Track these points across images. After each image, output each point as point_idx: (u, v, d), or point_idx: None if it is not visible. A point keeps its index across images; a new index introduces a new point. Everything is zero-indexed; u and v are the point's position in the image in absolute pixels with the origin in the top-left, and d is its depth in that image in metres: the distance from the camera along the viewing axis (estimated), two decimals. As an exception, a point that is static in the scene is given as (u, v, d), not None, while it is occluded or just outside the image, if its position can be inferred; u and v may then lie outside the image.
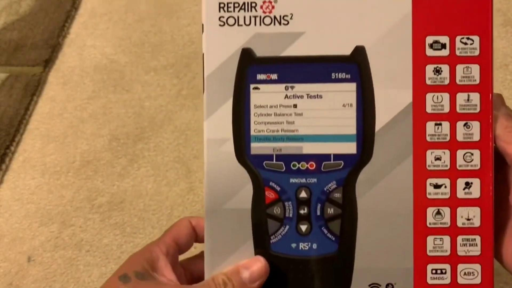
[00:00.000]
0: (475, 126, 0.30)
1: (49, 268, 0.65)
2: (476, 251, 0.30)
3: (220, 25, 0.30)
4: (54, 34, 0.92)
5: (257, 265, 0.30)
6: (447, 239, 0.31)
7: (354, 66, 0.29)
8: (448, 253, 0.31)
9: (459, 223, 0.30)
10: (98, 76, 0.86)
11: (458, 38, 0.30)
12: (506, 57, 0.82)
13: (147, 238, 0.66)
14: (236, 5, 0.30)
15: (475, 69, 0.30)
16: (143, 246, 0.66)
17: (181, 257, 0.42)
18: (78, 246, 0.66)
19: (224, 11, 0.30)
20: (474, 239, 0.30)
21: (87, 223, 0.68)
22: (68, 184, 0.73)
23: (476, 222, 0.30)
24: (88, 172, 0.74)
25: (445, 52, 0.30)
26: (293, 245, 0.31)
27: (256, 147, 0.30)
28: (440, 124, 0.30)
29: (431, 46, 0.30)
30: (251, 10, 0.30)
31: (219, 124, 0.30)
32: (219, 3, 0.30)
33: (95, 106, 0.81)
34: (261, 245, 0.31)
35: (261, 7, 0.30)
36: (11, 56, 0.90)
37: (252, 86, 0.30)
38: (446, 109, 0.30)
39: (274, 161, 0.30)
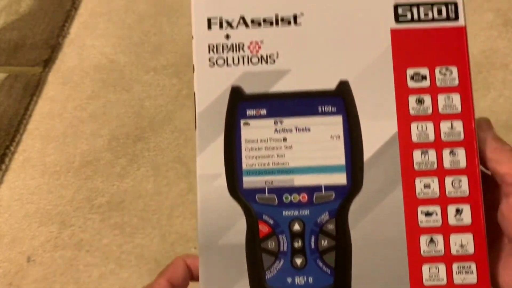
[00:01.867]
0: (461, 153, 0.31)
1: (49, 268, 0.65)
2: (472, 278, 0.30)
3: (210, 66, 0.32)
4: (54, 34, 0.92)
5: None
6: (442, 267, 0.31)
7: (339, 100, 0.30)
8: (444, 282, 0.30)
9: (453, 250, 0.31)
10: (98, 76, 0.86)
11: (437, 69, 0.31)
12: (506, 57, 0.82)
13: (147, 238, 0.66)
14: (225, 46, 0.32)
15: (456, 98, 0.31)
16: (143, 246, 0.67)
17: None
18: (78, 246, 0.66)
19: (214, 52, 0.32)
20: (470, 266, 0.31)
21: (87, 223, 0.68)
22: (68, 184, 0.73)
23: (470, 249, 0.30)
24: (88, 172, 0.74)
25: (426, 83, 0.31)
26: (289, 279, 0.31)
27: (248, 181, 0.31)
28: (427, 152, 0.31)
29: (412, 77, 0.31)
30: (239, 51, 0.31)
31: (211, 159, 0.31)
32: (209, 45, 0.32)
33: (95, 106, 0.81)
34: (256, 281, 0.31)
35: (249, 47, 0.31)
36: (11, 56, 0.90)
37: (242, 121, 0.31)
38: (431, 137, 0.31)
39: (267, 194, 0.30)
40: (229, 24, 0.31)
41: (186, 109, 0.80)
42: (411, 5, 0.31)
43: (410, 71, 0.31)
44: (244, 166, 0.31)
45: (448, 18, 0.31)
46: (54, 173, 0.74)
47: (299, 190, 0.30)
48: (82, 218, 0.69)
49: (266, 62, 0.31)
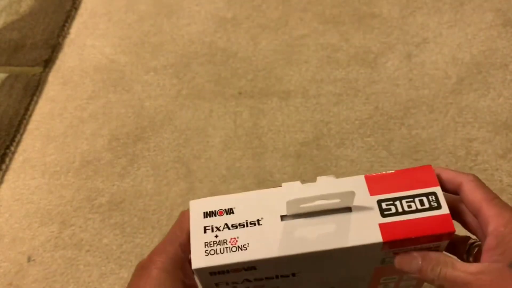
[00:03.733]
0: None
1: (49, 268, 0.65)
2: None
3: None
4: (54, 34, 0.92)
5: None
6: None
7: None
8: None
9: None
10: (98, 76, 0.86)
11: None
12: (506, 57, 0.82)
13: (147, 238, 0.66)
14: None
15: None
16: (143, 246, 0.67)
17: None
18: (78, 246, 0.66)
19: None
20: None
21: (87, 223, 0.68)
22: (68, 184, 0.73)
23: None
24: (88, 172, 0.74)
25: (392, 284, 0.39)
26: None
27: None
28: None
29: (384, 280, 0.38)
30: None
31: None
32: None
33: (95, 106, 0.81)
34: None
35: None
36: (11, 56, 0.90)
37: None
38: None
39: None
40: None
41: (186, 109, 0.80)
42: (393, 199, 0.34)
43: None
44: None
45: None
46: (54, 173, 0.74)
47: None
48: (83, 218, 0.69)
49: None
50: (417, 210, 0.33)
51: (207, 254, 0.33)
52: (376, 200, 0.34)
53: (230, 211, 0.35)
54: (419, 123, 0.75)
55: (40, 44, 0.91)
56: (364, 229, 0.33)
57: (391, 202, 0.34)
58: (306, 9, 0.93)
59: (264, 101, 0.80)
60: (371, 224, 0.33)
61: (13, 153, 0.77)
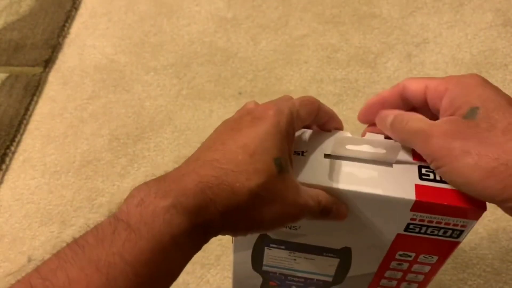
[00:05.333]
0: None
1: (49, 268, 0.65)
2: None
3: None
4: (54, 34, 0.92)
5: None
6: None
7: (341, 251, 0.40)
8: None
9: None
10: (98, 76, 0.86)
11: (421, 255, 0.39)
12: (506, 57, 0.82)
13: (147, 238, 0.66)
14: None
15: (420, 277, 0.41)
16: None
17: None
18: (78, 246, 0.67)
19: None
20: None
21: (87, 223, 0.68)
22: (68, 184, 0.73)
23: None
24: (88, 172, 0.74)
25: (406, 264, 0.40)
26: None
27: (267, 267, 0.43)
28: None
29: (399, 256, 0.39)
30: None
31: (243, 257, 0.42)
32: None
33: (95, 106, 0.81)
34: None
35: None
36: (11, 56, 0.90)
37: (266, 247, 0.41)
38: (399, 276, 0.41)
39: (278, 274, 0.44)
40: None
41: (186, 109, 0.80)
42: (421, 225, 0.35)
43: (400, 253, 0.39)
44: (264, 262, 0.43)
45: (450, 237, 0.36)
46: (55, 173, 0.74)
47: (299, 277, 0.44)
48: (83, 218, 0.69)
49: (290, 228, 0.38)
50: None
51: None
52: (418, 165, 0.35)
53: None
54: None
55: (40, 44, 0.91)
56: (400, 184, 0.34)
57: (432, 170, 0.34)
58: (306, 9, 0.93)
59: (264, 101, 0.80)
60: (408, 182, 0.34)
61: (13, 153, 0.77)
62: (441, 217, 0.34)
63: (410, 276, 0.41)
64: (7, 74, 0.87)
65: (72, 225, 0.69)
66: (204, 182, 0.28)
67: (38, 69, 0.87)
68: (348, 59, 0.84)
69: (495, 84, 0.32)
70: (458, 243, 0.36)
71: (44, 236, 0.68)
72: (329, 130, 0.37)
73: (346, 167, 0.35)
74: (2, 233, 0.68)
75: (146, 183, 0.29)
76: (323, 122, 0.37)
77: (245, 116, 0.33)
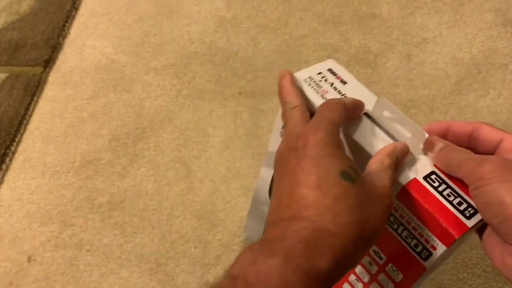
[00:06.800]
0: None
1: (49, 268, 0.65)
2: None
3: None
4: (54, 34, 0.92)
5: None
6: None
7: None
8: None
9: None
10: (98, 76, 0.86)
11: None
12: (506, 57, 0.82)
13: (147, 238, 0.66)
14: None
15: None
16: (143, 246, 0.67)
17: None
18: (78, 246, 0.67)
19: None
20: None
21: (87, 223, 0.68)
22: (68, 184, 0.73)
23: None
24: (88, 172, 0.74)
25: (375, 267, 0.39)
26: None
27: None
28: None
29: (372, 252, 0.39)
30: None
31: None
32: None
33: (95, 106, 0.81)
34: None
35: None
36: (11, 56, 0.90)
37: None
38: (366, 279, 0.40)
39: None
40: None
41: (186, 109, 0.80)
42: (444, 181, 0.35)
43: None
44: None
45: (419, 254, 0.35)
46: (55, 173, 0.74)
47: None
48: (83, 217, 0.69)
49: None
50: (450, 202, 0.34)
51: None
52: (432, 170, 0.35)
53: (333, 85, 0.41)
54: (419, 124, 0.75)
55: (40, 44, 0.91)
56: (403, 170, 0.35)
57: (441, 180, 0.34)
58: (306, 9, 0.93)
59: (264, 101, 0.80)
60: (410, 172, 0.35)
61: (14, 153, 0.77)
62: (417, 222, 0.34)
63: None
64: (7, 74, 0.87)
65: (72, 225, 0.69)
66: (302, 237, 0.29)
67: (38, 69, 0.87)
68: (348, 59, 0.84)
69: (495, 84, 0.32)
70: (424, 269, 0.35)
71: (44, 236, 0.68)
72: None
73: (375, 128, 0.37)
74: (2, 233, 0.68)
75: (250, 248, 0.30)
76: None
77: (289, 156, 0.33)
